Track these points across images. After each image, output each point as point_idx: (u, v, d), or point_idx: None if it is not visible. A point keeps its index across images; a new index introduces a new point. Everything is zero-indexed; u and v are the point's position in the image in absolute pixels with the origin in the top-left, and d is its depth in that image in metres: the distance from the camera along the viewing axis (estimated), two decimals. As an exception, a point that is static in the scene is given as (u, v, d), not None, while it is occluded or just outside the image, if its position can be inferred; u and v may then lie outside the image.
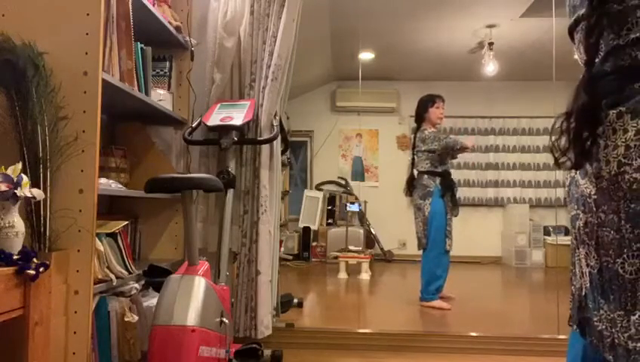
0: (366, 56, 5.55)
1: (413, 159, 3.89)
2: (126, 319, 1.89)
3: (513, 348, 2.75)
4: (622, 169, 0.79)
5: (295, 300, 3.40)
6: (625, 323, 0.79)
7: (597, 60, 0.84)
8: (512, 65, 5.55)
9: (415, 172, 3.86)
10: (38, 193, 1.41)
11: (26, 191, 1.35)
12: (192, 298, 1.67)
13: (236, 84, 2.74)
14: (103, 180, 1.95)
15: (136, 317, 1.93)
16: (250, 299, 2.58)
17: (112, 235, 1.90)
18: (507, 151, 6.65)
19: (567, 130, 0.85)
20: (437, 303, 3.64)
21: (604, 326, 0.83)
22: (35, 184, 1.49)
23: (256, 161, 2.63)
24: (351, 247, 5.35)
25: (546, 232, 6.16)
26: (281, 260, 4.04)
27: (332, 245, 5.87)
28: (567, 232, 5.87)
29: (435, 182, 3.71)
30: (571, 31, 0.94)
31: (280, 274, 2.89)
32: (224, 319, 1.82)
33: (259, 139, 2.61)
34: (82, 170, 1.62)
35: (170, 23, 2.44)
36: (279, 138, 2.68)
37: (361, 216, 6.15)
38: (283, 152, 2.90)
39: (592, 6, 0.83)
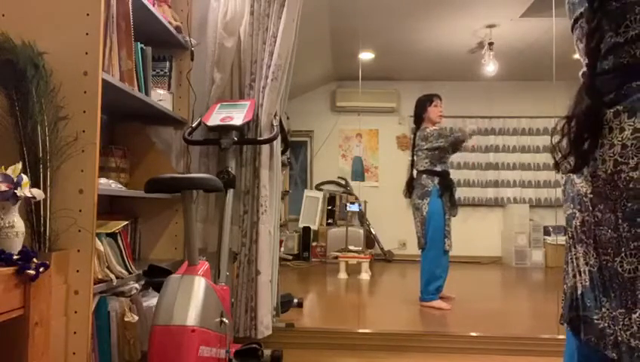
0: (366, 56, 5.55)
1: (412, 160, 3.89)
2: (126, 319, 1.89)
3: (513, 348, 2.75)
4: (618, 168, 0.79)
5: (295, 300, 3.39)
6: (626, 321, 0.79)
7: (601, 53, 0.84)
8: (512, 65, 5.55)
9: (414, 172, 3.86)
10: (38, 193, 1.41)
11: (26, 191, 1.35)
12: (192, 298, 1.67)
13: (236, 84, 2.74)
14: (103, 180, 1.95)
15: (136, 317, 1.93)
16: (250, 299, 2.58)
17: (112, 235, 1.89)
18: (507, 151, 6.65)
19: (567, 133, 0.85)
20: (437, 303, 3.64)
21: (606, 324, 0.83)
22: (35, 184, 1.49)
23: (256, 161, 2.63)
24: (351, 247, 5.35)
25: (546, 232, 6.16)
26: (281, 260, 4.04)
27: (332, 245, 5.87)
28: (566, 232, 5.86)
29: (434, 182, 3.71)
30: (573, 29, 0.94)
31: (280, 274, 2.89)
32: (224, 319, 1.82)
33: (259, 139, 2.60)
34: (82, 170, 1.62)
35: (170, 22, 2.44)
36: (279, 138, 2.68)
37: (361, 216, 6.15)
38: (283, 152, 2.90)
39: (593, 8, 0.82)
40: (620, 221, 0.79)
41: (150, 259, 2.52)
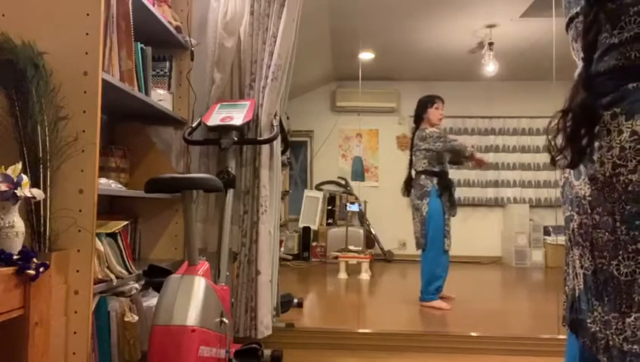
0: (366, 56, 5.55)
1: (411, 159, 3.89)
2: (126, 319, 1.89)
3: (513, 348, 2.75)
4: (617, 170, 0.79)
5: (295, 300, 3.39)
6: (620, 324, 0.79)
7: (596, 55, 0.84)
8: (512, 65, 5.55)
9: (413, 172, 3.86)
10: (38, 193, 1.41)
11: (26, 191, 1.35)
12: (192, 298, 1.67)
13: (236, 84, 2.74)
14: (103, 180, 1.95)
15: (136, 317, 1.93)
16: (250, 299, 2.58)
17: (112, 235, 1.89)
18: (507, 151, 6.65)
19: (564, 127, 0.84)
20: (437, 303, 3.64)
21: (597, 328, 0.83)
22: (35, 184, 1.49)
23: (256, 161, 2.63)
24: (351, 247, 5.35)
25: (546, 232, 6.16)
26: (281, 260, 4.04)
27: (332, 245, 5.87)
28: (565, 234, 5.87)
29: (433, 182, 3.71)
30: (567, 29, 0.94)
31: (280, 274, 2.89)
32: (224, 319, 1.82)
33: (259, 139, 2.60)
34: (82, 170, 1.62)
35: (170, 23, 2.44)
36: (279, 138, 2.68)
37: (361, 216, 6.15)
38: (283, 152, 2.90)
39: (589, 3, 0.82)
40: (618, 224, 0.79)
41: (150, 259, 2.52)
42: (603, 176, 0.80)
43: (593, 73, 0.83)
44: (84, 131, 1.63)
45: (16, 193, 1.33)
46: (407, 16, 4.57)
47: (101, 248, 1.77)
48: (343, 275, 4.99)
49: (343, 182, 6.58)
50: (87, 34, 1.64)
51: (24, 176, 1.37)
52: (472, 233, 6.12)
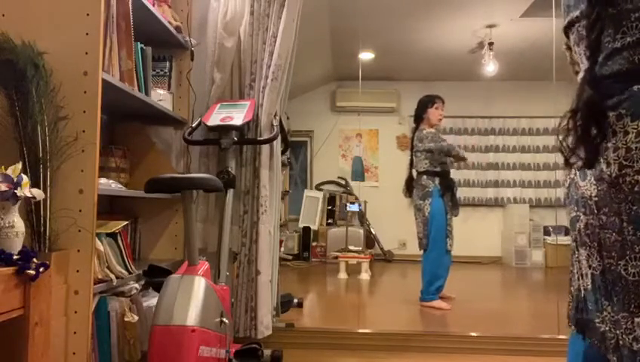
0: (366, 56, 5.55)
1: (411, 160, 3.89)
2: (126, 319, 1.89)
3: (513, 348, 2.75)
4: (623, 171, 0.79)
5: (295, 300, 3.39)
6: (629, 324, 0.79)
7: (600, 58, 0.84)
8: (512, 65, 5.55)
9: (414, 172, 3.86)
10: (38, 193, 1.41)
11: (26, 191, 1.35)
12: (192, 298, 1.67)
13: (236, 84, 2.74)
14: (103, 180, 1.95)
15: (136, 317, 1.93)
16: (250, 299, 2.58)
17: (112, 235, 1.89)
18: (507, 151, 6.65)
19: (574, 127, 0.84)
20: (437, 303, 3.64)
21: (607, 328, 0.83)
22: (35, 184, 1.49)
23: (256, 161, 2.63)
24: (351, 247, 5.35)
25: (546, 232, 6.16)
26: (281, 260, 4.04)
27: (332, 245, 5.87)
28: (567, 232, 5.86)
29: (434, 182, 3.71)
30: (567, 32, 0.94)
31: (280, 274, 2.88)
32: (224, 319, 1.82)
33: (259, 139, 2.60)
34: (82, 170, 1.62)
35: (170, 23, 2.44)
36: (279, 138, 2.68)
37: (361, 216, 6.15)
38: (283, 152, 2.90)
39: (592, 4, 0.83)
40: (625, 224, 0.79)
41: (150, 259, 2.52)
42: (609, 177, 0.80)
43: (598, 75, 0.84)
44: (84, 131, 1.63)
45: (16, 193, 1.33)
46: (407, 16, 4.56)
47: (101, 248, 1.77)
48: (343, 275, 4.99)
49: (343, 182, 6.58)
50: (87, 34, 1.64)
51: (24, 176, 1.37)
52: (472, 233, 6.12)
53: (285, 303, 3.05)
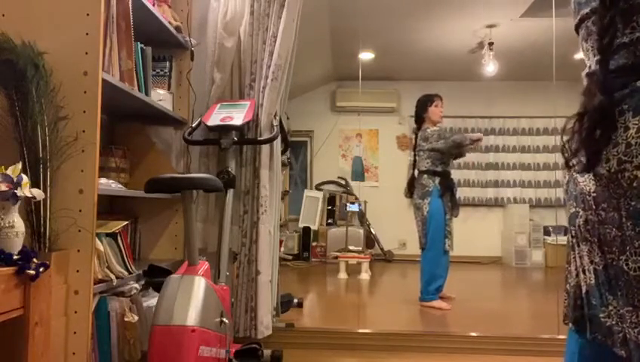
0: (366, 56, 5.55)
1: (414, 160, 3.89)
2: (126, 319, 1.89)
3: (513, 348, 2.75)
4: (622, 166, 0.79)
5: (295, 300, 3.39)
6: (634, 318, 0.79)
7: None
8: (512, 65, 5.55)
9: (416, 172, 3.86)
10: (38, 193, 1.41)
11: (26, 191, 1.35)
12: (192, 298, 1.67)
13: (236, 84, 2.74)
14: (103, 180, 1.95)
15: (136, 317, 1.93)
16: (250, 299, 2.58)
17: (112, 235, 1.89)
18: (507, 151, 6.65)
19: (579, 130, 0.84)
20: (437, 303, 3.64)
21: (613, 322, 0.83)
22: (35, 184, 1.49)
23: (256, 161, 2.63)
24: (351, 247, 5.35)
25: (546, 232, 6.16)
26: (281, 260, 4.04)
27: (332, 245, 5.87)
28: (567, 232, 5.85)
29: (434, 182, 3.71)
30: (577, 29, 0.93)
31: (280, 274, 2.88)
32: (224, 319, 1.82)
33: (259, 139, 2.61)
34: (82, 170, 1.62)
35: (170, 22, 2.44)
36: (279, 138, 2.68)
37: (361, 216, 6.15)
38: (283, 152, 2.90)
39: (606, 6, 0.82)
40: (624, 219, 0.79)
41: (150, 259, 2.52)
42: (608, 172, 0.80)
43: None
44: (84, 131, 1.63)
45: (16, 193, 1.33)
46: (407, 16, 4.57)
47: (101, 248, 1.77)
48: (342, 275, 4.99)
49: (343, 182, 6.58)
50: (87, 34, 1.64)
51: (24, 176, 1.37)
52: (472, 233, 6.12)
53: (285, 303, 3.05)
